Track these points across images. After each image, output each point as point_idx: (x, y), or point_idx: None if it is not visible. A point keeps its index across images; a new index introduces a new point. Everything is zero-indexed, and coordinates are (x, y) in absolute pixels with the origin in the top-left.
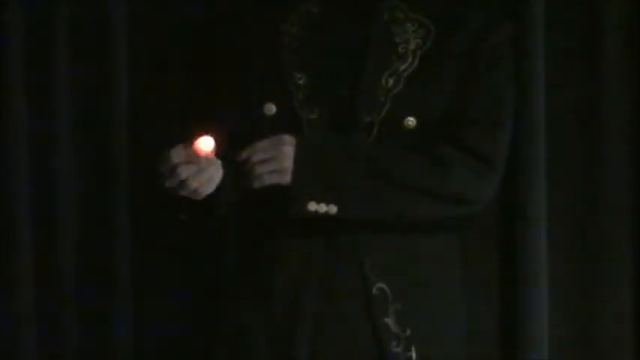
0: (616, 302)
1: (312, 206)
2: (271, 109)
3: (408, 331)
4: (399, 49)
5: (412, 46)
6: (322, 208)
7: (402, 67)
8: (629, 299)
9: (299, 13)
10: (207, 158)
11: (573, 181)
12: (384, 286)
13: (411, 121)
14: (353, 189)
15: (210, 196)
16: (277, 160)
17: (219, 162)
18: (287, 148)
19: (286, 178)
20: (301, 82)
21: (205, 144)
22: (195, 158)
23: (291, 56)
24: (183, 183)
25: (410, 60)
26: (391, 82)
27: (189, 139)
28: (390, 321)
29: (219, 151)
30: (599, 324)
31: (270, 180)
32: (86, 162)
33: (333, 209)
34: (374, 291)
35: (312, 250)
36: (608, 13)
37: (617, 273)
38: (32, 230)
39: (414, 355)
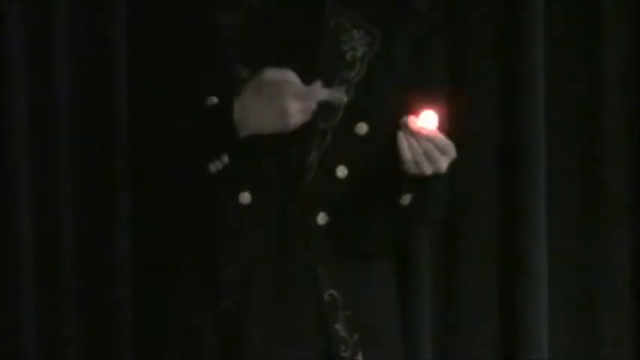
0: (616, 303)
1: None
2: (214, 102)
3: (356, 336)
4: (347, 57)
5: (359, 53)
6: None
7: (351, 75)
8: (630, 299)
9: (241, 8)
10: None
11: (573, 181)
12: (334, 292)
13: (362, 127)
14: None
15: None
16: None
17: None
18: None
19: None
20: (244, 75)
21: (429, 119)
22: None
23: (234, 50)
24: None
25: (358, 67)
26: (342, 91)
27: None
28: (339, 326)
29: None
30: (599, 324)
31: (428, 171)
32: (86, 161)
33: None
34: (325, 297)
35: (261, 248)
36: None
37: (617, 273)
38: (32, 230)
39: (360, 358)
